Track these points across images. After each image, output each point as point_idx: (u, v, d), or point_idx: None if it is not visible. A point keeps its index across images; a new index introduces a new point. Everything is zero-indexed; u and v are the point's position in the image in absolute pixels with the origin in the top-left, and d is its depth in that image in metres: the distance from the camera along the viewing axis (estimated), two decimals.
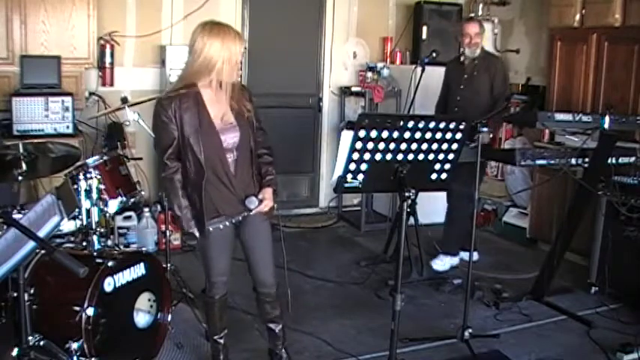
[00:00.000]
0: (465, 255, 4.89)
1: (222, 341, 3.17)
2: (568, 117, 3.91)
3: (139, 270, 3.11)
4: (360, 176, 2.70)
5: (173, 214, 2.93)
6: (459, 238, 4.71)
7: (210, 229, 2.87)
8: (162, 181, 2.92)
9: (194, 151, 2.77)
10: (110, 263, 2.94)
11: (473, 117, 3.79)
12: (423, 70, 4.68)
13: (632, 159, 4.03)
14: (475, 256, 4.91)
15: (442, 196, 4.85)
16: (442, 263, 4.74)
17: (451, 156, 2.84)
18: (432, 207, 5.52)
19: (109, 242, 3.43)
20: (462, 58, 4.74)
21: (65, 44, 4.92)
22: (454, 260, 4.78)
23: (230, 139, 2.84)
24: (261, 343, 3.52)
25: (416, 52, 6.14)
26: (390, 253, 4.95)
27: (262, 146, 3.01)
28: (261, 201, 2.90)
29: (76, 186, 3.29)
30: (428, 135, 2.72)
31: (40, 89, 4.76)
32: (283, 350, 3.24)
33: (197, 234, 2.85)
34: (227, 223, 2.92)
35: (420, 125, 2.68)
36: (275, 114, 5.81)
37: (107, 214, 3.53)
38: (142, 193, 3.84)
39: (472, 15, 4.78)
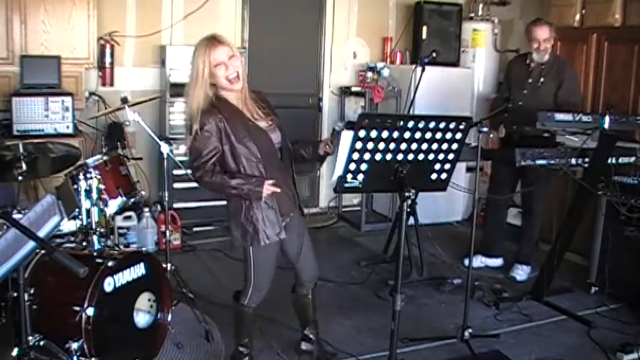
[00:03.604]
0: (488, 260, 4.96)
1: (251, 347, 3.20)
2: (568, 117, 3.90)
3: (139, 270, 3.10)
4: (360, 176, 2.69)
5: (232, 193, 2.85)
6: (534, 249, 4.82)
7: (284, 223, 2.95)
8: (204, 184, 2.86)
9: (251, 155, 2.81)
10: (110, 263, 2.94)
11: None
12: (423, 70, 4.67)
13: (632, 159, 4.03)
14: (500, 261, 4.96)
15: (442, 196, 4.84)
16: (522, 273, 4.73)
17: (451, 156, 2.84)
18: (432, 207, 5.52)
19: (109, 242, 3.43)
20: (527, 60, 4.55)
21: (65, 44, 4.92)
22: (529, 269, 4.76)
23: (275, 138, 2.93)
24: (262, 343, 3.53)
25: (416, 52, 6.14)
26: (390, 253, 4.95)
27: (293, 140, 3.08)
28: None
29: (76, 186, 3.29)
30: (428, 135, 2.72)
31: (40, 89, 4.77)
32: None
33: (283, 235, 2.93)
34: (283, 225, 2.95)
35: (420, 125, 2.68)
36: None
37: (107, 214, 3.53)
38: (142, 193, 3.84)
39: (540, 17, 4.52)
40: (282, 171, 2.97)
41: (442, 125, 2.72)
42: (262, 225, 2.89)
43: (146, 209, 5.08)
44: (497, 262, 4.93)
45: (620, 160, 3.98)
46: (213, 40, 2.79)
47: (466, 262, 4.32)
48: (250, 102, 2.91)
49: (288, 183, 3.02)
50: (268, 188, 2.80)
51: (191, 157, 2.85)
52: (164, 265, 3.48)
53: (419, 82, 4.68)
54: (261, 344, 3.52)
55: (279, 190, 2.83)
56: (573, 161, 3.94)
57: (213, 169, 2.81)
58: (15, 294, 2.60)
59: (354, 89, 6.15)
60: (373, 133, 2.61)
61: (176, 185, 5.14)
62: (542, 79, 4.47)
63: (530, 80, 4.52)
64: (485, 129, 3.49)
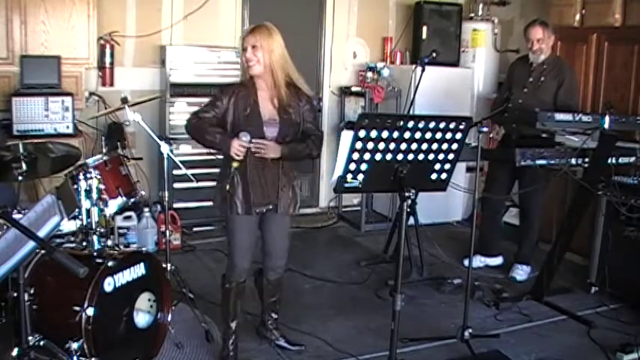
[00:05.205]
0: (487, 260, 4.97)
1: (233, 327, 3.34)
2: (568, 117, 3.91)
3: (139, 270, 3.10)
4: (360, 176, 2.70)
5: (209, 145, 3.17)
6: (533, 249, 4.81)
7: (258, 211, 3.19)
8: (189, 128, 3.18)
9: (245, 130, 3.03)
10: (110, 263, 2.94)
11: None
12: (423, 70, 4.68)
13: (632, 159, 4.03)
14: (500, 259, 4.96)
15: (442, 196, 4.84)
16: (522, 273, 4.73)
17: (451, 156, 2.85)
18: (432, 207, 5.52)
19: (109, 242, 3.43)
20: (529, 60, 4.57)
21: (65, 44, 4.92)
22: (529, 269, 4.76)
23: (270, 132, 3.11)
24: (261, 343, 3.53)
25: (416, 52, 6.14)
26: (390, 253, 4.95)
27: (313, 133, 3.24)
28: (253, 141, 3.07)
29: (76, 186, 3.29)
30: (428, 135, 2.72)
31: (40, 89, 4.76)
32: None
33: (254, 214, 3.16)
34: (255, 212, 3.17)
35: (420, 125, 2.68)
36: None
37: (107, 214, 3.53)
38: (142, 193, 3.84)
39: (536, 18, 4.61)
40: (262, 163, 3.11)
41: (442, 125, 2.73)
42: (237, 198, 3.12)
43: (146, 209, 5.08)
44: (496, 260, 4.94)
45: (620, 160, 3.98)
46: (250, 29, 3.16)
47: (466, 262, 4.32)
48: (278, 93, 3.10)
49: (267, 177, 3.16)
50: (235, 146, 2.99)
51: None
52: (164, 265, 3.48)
53: (419, 82, 4.68)
54: (261, 344, 3.53)
55: (242, 152, 3.01)
56: (573, 161, 3.94)
57: (200, 118, 3.13)
58: (15, 294, 2.60)
59: (354, 89, 6.15)
60: (373, 133, 2.61)
61: (176, 185, 5.14)
62: (542, 78, 4.48)
63: (531, 79, 4.53)
64: (485, 129, 3.49)
